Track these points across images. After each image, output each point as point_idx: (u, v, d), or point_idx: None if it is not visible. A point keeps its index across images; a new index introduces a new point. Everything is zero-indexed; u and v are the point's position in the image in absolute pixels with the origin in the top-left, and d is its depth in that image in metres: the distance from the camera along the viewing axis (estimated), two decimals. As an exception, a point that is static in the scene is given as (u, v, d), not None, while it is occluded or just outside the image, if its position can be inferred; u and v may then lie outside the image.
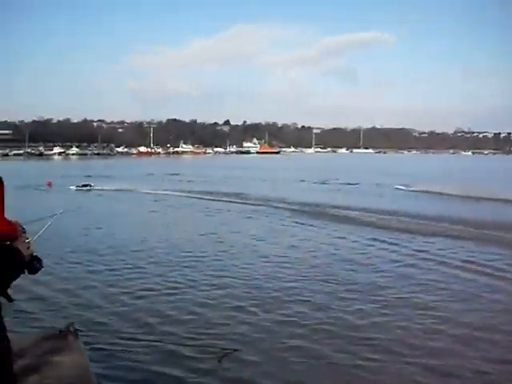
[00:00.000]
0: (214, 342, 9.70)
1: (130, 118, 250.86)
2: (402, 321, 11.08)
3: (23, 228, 4.56)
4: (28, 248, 3.13)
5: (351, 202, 33.18)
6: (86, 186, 44.23)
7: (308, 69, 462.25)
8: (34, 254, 3.22)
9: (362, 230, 23.33)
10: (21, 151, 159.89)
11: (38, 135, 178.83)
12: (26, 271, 3.17)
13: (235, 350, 9.17)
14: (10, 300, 3.12)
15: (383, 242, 20.34)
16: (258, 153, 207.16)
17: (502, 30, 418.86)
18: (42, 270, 3.33)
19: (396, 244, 19.88)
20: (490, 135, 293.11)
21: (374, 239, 20.79)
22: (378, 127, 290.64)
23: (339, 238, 21.34)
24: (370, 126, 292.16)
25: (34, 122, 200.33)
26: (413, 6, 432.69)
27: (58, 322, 9.28)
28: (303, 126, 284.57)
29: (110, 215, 27.79)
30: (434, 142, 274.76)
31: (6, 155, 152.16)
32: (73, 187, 43.53)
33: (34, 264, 3.18)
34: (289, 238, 21.09)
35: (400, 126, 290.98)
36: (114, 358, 8.81)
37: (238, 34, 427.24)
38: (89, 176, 56.43)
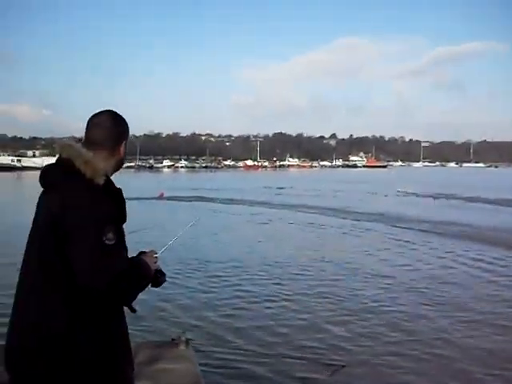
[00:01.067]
0: (321, 356, 9.37)
1: (236, 132, 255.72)
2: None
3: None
4: (155, 263, 3.20)
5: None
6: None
7: (416, 81, 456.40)
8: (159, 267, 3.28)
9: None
10: (132, 163, 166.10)
11: (149, 148, 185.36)
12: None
13: (343, 366, 8.88)
14: (133, 311, 3.18)
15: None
16: (364, 166, 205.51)
17: None
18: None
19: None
20: None
21: None
22: (489, 140, 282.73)
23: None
24: (480, 139, 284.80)
25: (145, 135, 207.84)
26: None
27: (169, 331, 9.38)
28: (411, 140, 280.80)
29: (225, 227, 27.77)
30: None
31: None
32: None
33: (157, 277, 3.23)
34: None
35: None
36: (224, 368, 8.72)
37: (344, 47, 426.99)
38: (206, 189, 57.18)
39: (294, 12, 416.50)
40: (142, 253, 3.26)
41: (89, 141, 3.13)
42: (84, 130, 3.21)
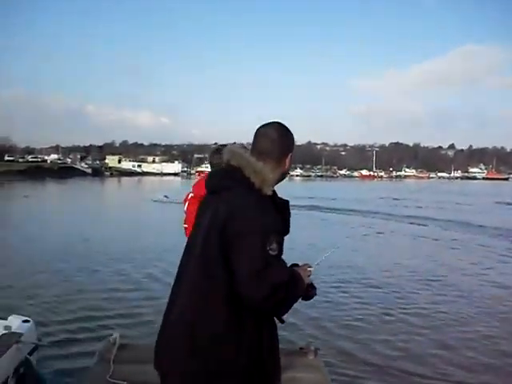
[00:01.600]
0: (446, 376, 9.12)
1: (352, 142, 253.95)
2: None
3: None
4: (308, 276, 3.20)
5: None
6: None
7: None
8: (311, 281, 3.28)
9: None
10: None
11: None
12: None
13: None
14: (282, 322, 3.20)
15: None
16: (484, 178, 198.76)
17: None
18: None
19: None
20: None
21: None
22: None
23: None
24: None
25: (248, 144, 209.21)
26: None
27: (296, 339, 9.46)
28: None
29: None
30: None
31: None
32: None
33: (309, 291, 3.22)
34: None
35: None
36: (351, 380, 8.75)
37: (463, 54, 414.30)
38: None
39: (410, 20, 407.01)
40: (294, 265, 3.27)
41: (257, 150, 3.20)
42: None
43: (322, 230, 30.52)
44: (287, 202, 3.20)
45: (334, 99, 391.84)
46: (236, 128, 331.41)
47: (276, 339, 3.14)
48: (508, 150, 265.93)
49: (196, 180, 7.04)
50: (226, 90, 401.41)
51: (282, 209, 3.10)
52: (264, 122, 3.34)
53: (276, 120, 3.35)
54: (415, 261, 20.78)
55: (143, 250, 20.90)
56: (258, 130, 3.29)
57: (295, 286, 2.98)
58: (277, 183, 3.23)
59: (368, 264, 19.68)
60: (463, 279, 17.49)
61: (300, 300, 3.16)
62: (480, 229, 32.35)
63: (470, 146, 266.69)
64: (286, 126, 3.33)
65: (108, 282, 15.11)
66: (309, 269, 3.25)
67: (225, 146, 6.81)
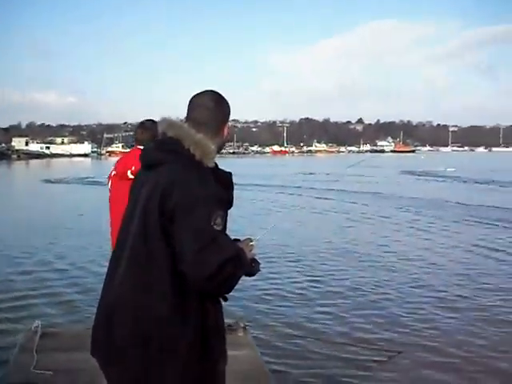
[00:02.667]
0: (378, 342, 9.25)
1: (263, 118, 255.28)
2: None
3: None
4: (250, 251, 3.01)
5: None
6: None
7: (445, 65, 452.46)
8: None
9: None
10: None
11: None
12: None
13: (399, 352, 8.75)
14: (225, 299, 3.01)
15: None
16: (392, 151, 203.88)
17: None
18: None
19: None
20: None
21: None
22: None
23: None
24: (510, 123, 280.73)
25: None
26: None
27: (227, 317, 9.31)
28: (438, 125, 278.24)
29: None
30: None
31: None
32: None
33: (252, 266, 3.04)
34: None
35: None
36: (282, 354, 8.62)
37: (372, 30, 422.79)
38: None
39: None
40: (236, 240, 3.06)
41: (193, 121, 2.96)
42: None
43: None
44: (230, 173, 3.01)
45: (243, 77, 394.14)
46: (145, 108, 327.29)
47: (221, 319, 2.98)
48: (414, 123, 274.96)
49: (118, 158, 6.77)
50: (136, 69, 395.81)
51: (224, 181, 2.92)
52: (198, 91, 3.10)
53: (210, 89, 3.15)
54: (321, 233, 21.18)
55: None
56: (191, 99, 3.08)
57: (241, 262, 2.81)
58: (217, 153, 3.03)
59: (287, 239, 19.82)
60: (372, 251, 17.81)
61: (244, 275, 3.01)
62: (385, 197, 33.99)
63: (378, 120, 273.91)
64: (221, 93, 3.14)
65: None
66: (251, 243, 3.08)
67: (150, 120, 6.60)
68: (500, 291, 12.42)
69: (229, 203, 2.90)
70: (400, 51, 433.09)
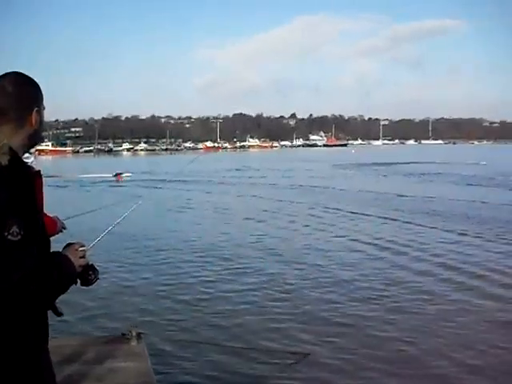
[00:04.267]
0: (283, 346, 9.25)
1: (196, 114, 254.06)
2: None
3: (63, 224, 4.09)
4: (81, 257, 2.66)
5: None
6: None
7: (375, 59, 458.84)
8: (90, 262, 2.77)
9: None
10: (91, 148, 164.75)
11: (108, 132, 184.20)
12: (77, 282, 2.72)
13: (306, 355, 8.69)
14: (58, 314, 2.70)
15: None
16: (325, 145, 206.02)
17: None
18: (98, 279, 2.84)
19: None
20: None
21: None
22: (447, 117, 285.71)
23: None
24: (438, 116, 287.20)
25: (103, 119, 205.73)
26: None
27: (120, 324, 9.12)
28: (370, 118, 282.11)
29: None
30: (506, 131, 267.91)
31: (77, 152, 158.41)
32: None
33: (88, 274, 2.75)
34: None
35: (469, 116, 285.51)
36: (179, 363, 8.53)
37: (303, 25, 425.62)
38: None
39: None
40: (69, 244, 2.73)
41: None
42: None
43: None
44: (36, 172, 2.58)
45: (177, 72, 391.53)
46: (76, 107, 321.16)
47: (44, 337, 2.61)
48: (346, 117, 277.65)
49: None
50: (65, 65, 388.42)
51: (26, 181, 2.47)
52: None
53: (16, 70, 2.67)
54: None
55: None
56: None
57: (57, 272, 2.47)
58: (28, 148, 2.65)
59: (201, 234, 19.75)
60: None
61: (79, 285, 2.74)
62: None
63: (311, 114, 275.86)
64: (27, 74, 2.66)
65: None
66: (80, 249, 2.70)
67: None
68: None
69: (32, 206, 2.48)
70: (331, 45, 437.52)
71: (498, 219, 22.99)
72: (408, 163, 72.07)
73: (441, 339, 9.54)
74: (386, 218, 23.93)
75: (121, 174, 48.71)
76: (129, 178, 47.59)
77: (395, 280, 13.58)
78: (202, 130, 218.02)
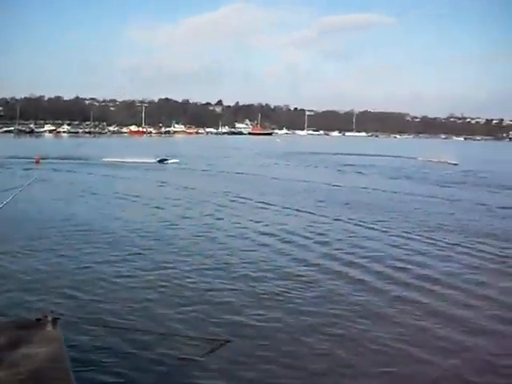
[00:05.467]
0: (204, 331, 9.43)
1: (122, 97, 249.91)
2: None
3: None
4: None
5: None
6: None
7: (303, 51, 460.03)
8: None
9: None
10: (11, 128, 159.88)
11: (29, 112, 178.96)
12: None
13: (227, 342, 8.67)
14: None
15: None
16: (250, 134, 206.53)
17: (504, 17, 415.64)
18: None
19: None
20: (482, 121, 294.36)
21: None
22: (371, 111, 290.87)
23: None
24: (363, 109, 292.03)
25: (25, 98, 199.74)
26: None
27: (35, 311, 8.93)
28: (296, 108, 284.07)
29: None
30: (426, 126, 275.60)
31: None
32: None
33: None
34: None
35: (393, 110, 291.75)
36: (96, 347, 8.56)
37: (233, 11, 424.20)
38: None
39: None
40: None
41: None
42: None
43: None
44: None
45: (103, 53, 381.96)
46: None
47: None
48: (272, 106, 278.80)
49: None
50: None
51: None
52: None
53: None
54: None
55: None
56: None
57: None
58: None
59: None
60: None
61: None
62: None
63: (237, 102, 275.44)
64: None
65: None
66: None
67: None
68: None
69: None
70: (260, 35, 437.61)
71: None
72: (333, 154, 73.39)
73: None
74: (287, 208, 25.07)
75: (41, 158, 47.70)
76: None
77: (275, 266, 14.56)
78: (127, 114, 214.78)
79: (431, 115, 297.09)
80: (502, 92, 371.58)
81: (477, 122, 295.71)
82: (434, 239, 18.67)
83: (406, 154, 76.11)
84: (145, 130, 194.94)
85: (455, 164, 58.08)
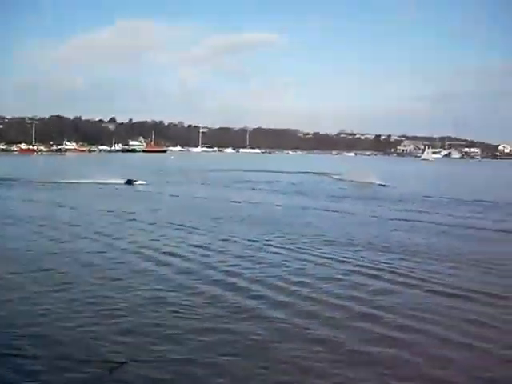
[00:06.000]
0: (98, 354, 9.41)
1: (10, 114, 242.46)
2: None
3: None
4: None
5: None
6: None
7: (198, 68, 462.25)
8: None
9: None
10: None
11: None
12: None
13: (122, 363, 8.80)
14: None
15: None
16: (144, 151, 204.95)
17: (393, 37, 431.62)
18: None
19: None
20: (371, 137, 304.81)
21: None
22: (265, 127, 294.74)
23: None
24: (256, 126, 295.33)
25: None
26: (304, 11, 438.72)
27: None
28: (190, 125, 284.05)
29: None
30: (318, 142, 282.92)
31: None
32: None
33: None
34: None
35: (286, 127, 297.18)
36: None
37: (126, 29, 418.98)
38: None
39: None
40: None
41: None
42: None
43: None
44: None
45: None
46: None
47: None
48: (166, 123, 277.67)
49: None
50: None
51: None
52: None
53: None
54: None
55: None
56: None
57: None
58: None
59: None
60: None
61: None
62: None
63: (131, 119, 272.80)
64: None
65: None
66: None
67: None
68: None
69: None
70: (157, 51, 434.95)
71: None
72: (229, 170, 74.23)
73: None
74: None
75: None
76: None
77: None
78: (16, 131, 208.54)
79: (322, 131, 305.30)
80: (390, 109, 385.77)
81: (366, 138, 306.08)
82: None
83: (316, 169, 78.16)
84: (35, 147, 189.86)
85: (383, 185, 52.20)
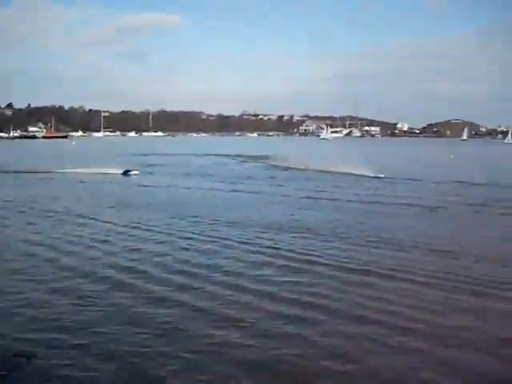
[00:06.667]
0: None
1: None
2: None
3: None
4: None
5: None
6: None
7: (100, 51, 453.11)
8: None
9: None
10: None
11: None
12: None
13: (32, 356, 8.69)
14: None
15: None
16: (44, 137, 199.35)
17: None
18: None
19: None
20: (274, 117, 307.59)
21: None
22: (167, 110, 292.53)
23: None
24: (158, 108, 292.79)
25: None
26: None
27: None
28: (91, 110, 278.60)
29: None
30: (222, 124, 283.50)
31: None
32: None
33: None
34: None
35: (188, 109, 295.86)
36: None
37: (22, 11, 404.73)
38: None
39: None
40: None
41: None
42: None
43: None
44: None
45: None
46: None
47: None
48: (66, 108, 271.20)
49: None
50: None
51: None
52: None
53: None
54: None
55: None
56: None
57: None
58: None
59: None
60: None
61: None
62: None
63: (29, 104, 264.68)
64: None
65: None
66: None
67: None
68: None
69: None
70: (56, 34, 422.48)
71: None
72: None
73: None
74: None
75: None
76: None
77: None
78: None
79: (226, 113, 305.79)
80: (292, 90, 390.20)
81: (269, 119, 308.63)
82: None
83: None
84: None
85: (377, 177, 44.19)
